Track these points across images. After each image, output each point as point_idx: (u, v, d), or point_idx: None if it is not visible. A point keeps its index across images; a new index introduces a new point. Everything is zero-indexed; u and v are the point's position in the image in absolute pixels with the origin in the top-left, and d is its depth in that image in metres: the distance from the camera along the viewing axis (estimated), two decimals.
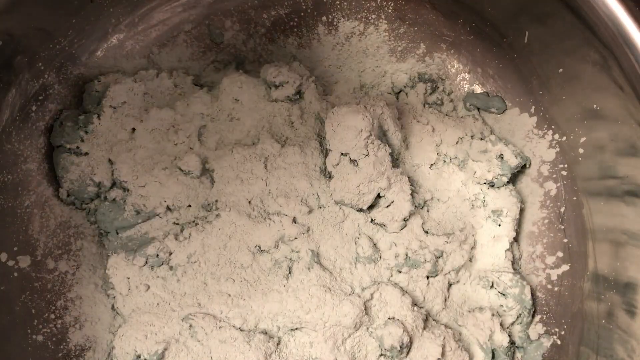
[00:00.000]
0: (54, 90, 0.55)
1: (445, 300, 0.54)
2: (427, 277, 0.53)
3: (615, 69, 0.45)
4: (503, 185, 0.56)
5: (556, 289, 0.54)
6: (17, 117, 0.52)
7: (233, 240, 0.54)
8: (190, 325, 0.52)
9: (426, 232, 0.54)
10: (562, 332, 0.52)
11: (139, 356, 0.51)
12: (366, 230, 0.54)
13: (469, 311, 0.53)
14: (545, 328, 0.54)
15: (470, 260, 0.55)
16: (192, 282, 0.53)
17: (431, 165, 0.57)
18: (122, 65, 0.59)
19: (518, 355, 0.53)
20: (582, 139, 0.51)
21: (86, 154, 0.55)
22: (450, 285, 0.54)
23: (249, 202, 0.54)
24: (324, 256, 0.54)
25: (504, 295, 0.53)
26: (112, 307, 0.54)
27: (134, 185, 0.55)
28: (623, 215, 0.47)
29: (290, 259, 0.53)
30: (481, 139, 0.57)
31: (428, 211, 0.56)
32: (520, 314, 0.53)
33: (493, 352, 0.52)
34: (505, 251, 0.55)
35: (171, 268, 0.54)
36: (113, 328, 0.54)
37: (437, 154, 0.58)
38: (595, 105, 0.49)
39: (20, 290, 0.51)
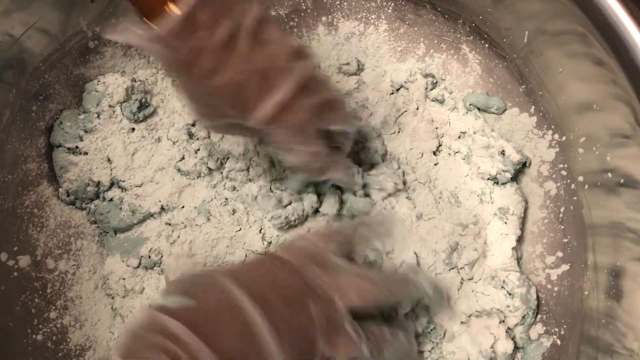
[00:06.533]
0: (54, 90, 0.55)
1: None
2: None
3: (615, 69, 0.45)
4: (508, 183, 0.56)
5: (556, 289, 0.54)
6: (17, 117, 0.52)
7: (220, 245, 0.53)
8: None
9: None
10: (562, 332, 0.52)
11: None
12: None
13: (476, 316, 0.53)
14: (545, 328, 0.53)
15: (480, 257, 0.54)
16: None
17: (434, 152, 0.57)
18: (122, 65, 0.59)
19: (518, 355, 0.53)
20: (582, 139, 0.51)
21: (85, 153, 0.55)
22: (461, 282, 0.54)
23: (242, 203, 0.54)
24: None
25: (510, 295, 0.53)
26: (112, 307, 0.54)
27: (131, 185, 0.55)
28: (619, 210, 0.48)
29: None
30: (482, 136, 0.57)
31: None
32: (524, 315, 0.53)
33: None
34: (512, 249, 0.55)
35: (163, 270, 0.54)
36: (113, 328, 0.54)
37: (440, 144, 0.58)
38: (595, 105, 0.49)
39: (20, 290, 0.51)
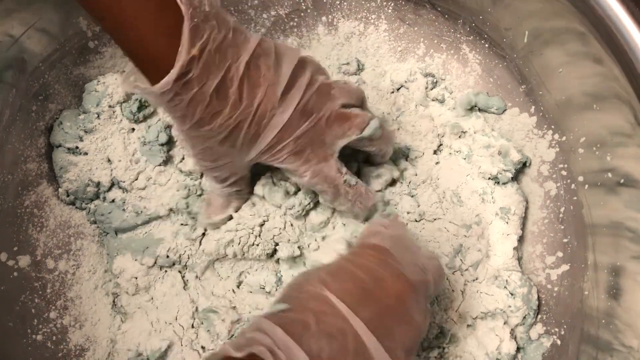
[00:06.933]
0: (54, 90, 0.55)
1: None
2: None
3: (615, 69, 0.45)
4: (508, 182, 0.56)
5: (556, 289, 0.54)
6: (17, 117, 0.52)
7: (255, 241, 0.52)
8: (204, 321, 0.51)
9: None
10: (562, 332, 0.52)
11: (140, 354, 0.51)
12: None
13: (482, 318, 0.52)
14: (545, 328, 0.53)
15: (484, 257, 0.54)
16: (210, 280, 0.53)
17: (435, 151, 0.57)
18: (122, 65, 0.59)
19: (518, 355, 0.53)
20: (582, 139, 0.51)
21: (85, 153, 0.55)
22: (465, 283, 0.54)
23: (261, 196, 0.53)
24: None
25: (512, 295, 0.53)
26: (112, 307, 0.54)
27: (132, 186, 0.55)
28: (619, 209, 0.48)
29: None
30: (483, 136, 0.57)
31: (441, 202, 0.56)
32: (525, 315, 0.53)
33: None
34: (513, 249, 0.55)
35: (185, 267, 0.54)
36: (113, 328, 0.54)
37: (441, 144, 0.58)
38: (595, 105, 0.49)
39: (20, 290, 0.51)
